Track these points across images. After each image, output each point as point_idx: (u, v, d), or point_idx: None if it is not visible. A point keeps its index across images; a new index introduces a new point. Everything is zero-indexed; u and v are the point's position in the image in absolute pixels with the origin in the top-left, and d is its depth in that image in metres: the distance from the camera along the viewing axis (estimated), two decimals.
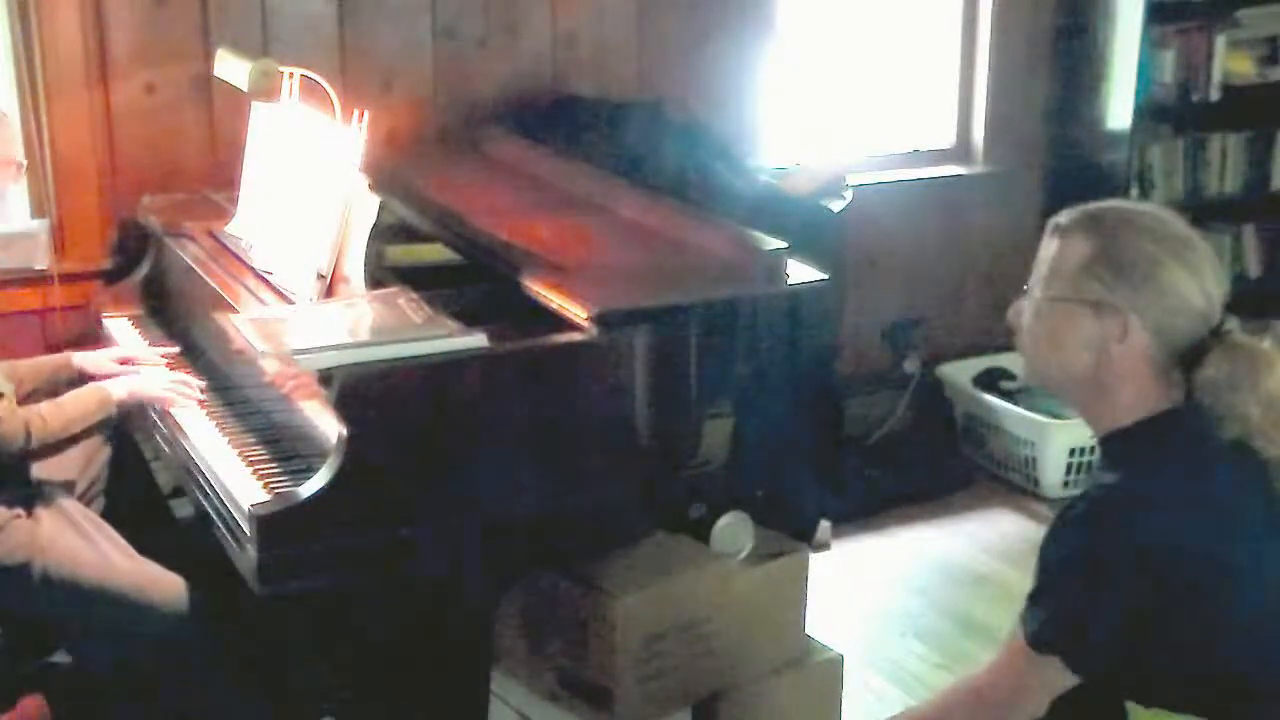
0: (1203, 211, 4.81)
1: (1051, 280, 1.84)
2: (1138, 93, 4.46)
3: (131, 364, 2.89)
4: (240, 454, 2.52)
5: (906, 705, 2.96)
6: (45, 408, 2.63)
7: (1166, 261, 1.76)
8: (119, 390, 2.71)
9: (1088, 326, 1.79)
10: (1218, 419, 1.76)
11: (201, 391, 2.78)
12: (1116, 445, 1.83)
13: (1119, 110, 4.51)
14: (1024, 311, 1.88)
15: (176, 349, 2.99)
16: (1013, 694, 1.82)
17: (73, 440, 2.66)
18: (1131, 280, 1.76)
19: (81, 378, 2.83)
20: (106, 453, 2.88)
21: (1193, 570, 1.70)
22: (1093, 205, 1.86)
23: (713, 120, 3.89)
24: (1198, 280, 1.77)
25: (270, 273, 2.78)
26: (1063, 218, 1.86)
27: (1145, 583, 1.70)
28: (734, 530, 2.84)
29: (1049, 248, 1.86)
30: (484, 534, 2.31)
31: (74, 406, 2.66)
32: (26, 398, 2.74)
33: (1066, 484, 4.17)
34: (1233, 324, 1.80)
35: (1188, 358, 1.77)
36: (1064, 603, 1.76)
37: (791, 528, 3.06)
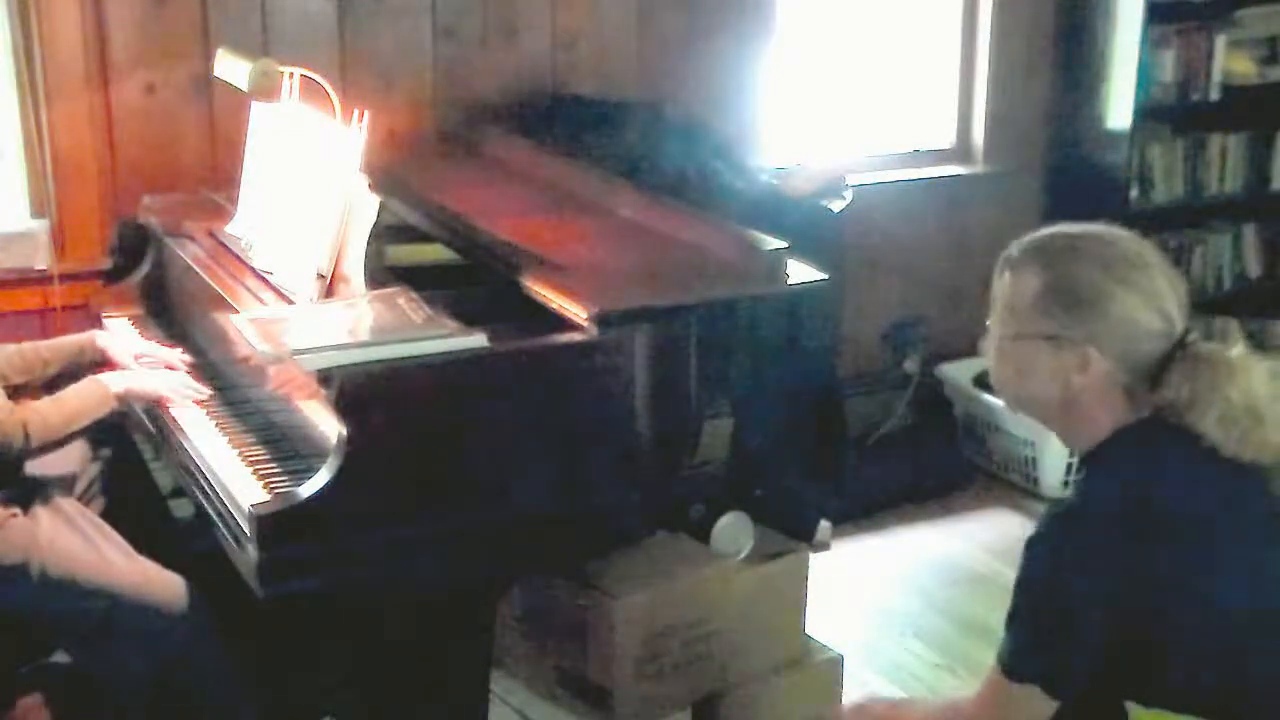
0: (1203, 211, 4.84)
1: (1008, 317, 1.84)
2: (1138, 93, 4.46)
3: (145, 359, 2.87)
4: (240, 454, 2.52)
5: None
6: (44, 405, 2.59)
7: (1116, 290, 1.76)
8: (117, 385, 2.68)
9: (1048, 360, 1.80)
10: (1186, 431, 1.76)
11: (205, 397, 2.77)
12: (1090, 461, 1.83)
13: (1119, 110, 4.52)
14: (988, 347, 1.89)
15: (179, 350, 2.98)
16: None
17: (72, 436, 2.62)
18: (1084, 313, 1.77)
19: (104, 361, 2.80)
20: (106, 452, 2.87)
21: (1158, 578, 1.69)
22: (1040, 234, 1.86)
23: (713, 120, 3.89)
24: (1152, 302, 1.77)
25: (270, 273, 2.77)
26: (1013, 250, 1.86)
27: (1110, 596, 1.70)
28: (734, 530, 2.84)
29: (1002, 283, 1.86)
30: (484, 534, 2.31)
31: (74, 403, 2.61)
32: (53, 380, 2.73)
33: (1066, 484, 4.17)
34: (1195, 334, 1.79)
35: (1154, 373, 1.77)
36: (1033, 628, 1.75)
37: (791, 528, 3.07)
